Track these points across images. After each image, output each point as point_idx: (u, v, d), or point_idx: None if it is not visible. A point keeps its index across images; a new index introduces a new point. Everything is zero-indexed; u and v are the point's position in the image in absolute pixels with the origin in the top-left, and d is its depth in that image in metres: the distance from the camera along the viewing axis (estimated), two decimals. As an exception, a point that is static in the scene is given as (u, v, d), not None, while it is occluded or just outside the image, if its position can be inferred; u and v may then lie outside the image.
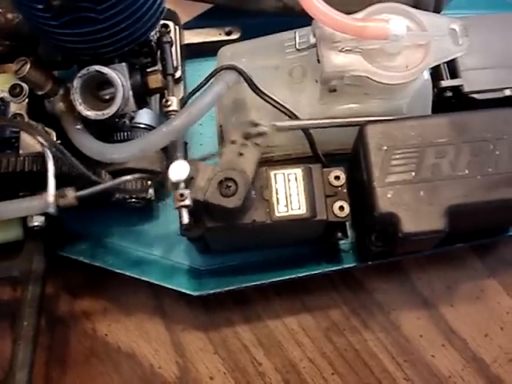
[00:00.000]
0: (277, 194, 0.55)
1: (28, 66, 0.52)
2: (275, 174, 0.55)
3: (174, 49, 0.66)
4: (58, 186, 0.54)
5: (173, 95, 0.56)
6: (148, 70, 0.57)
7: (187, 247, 0.65)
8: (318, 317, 0.69)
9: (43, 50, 0.60)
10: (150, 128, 0.62)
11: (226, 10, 0.69)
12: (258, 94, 0.57)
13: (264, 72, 0.59)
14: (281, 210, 0.54)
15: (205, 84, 0.56)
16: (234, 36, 0.68)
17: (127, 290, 0.70)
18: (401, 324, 0.68)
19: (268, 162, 0.63)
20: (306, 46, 0.58)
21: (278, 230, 0.56)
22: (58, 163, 0.54)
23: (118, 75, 0.54)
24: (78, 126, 0.54)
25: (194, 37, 0.68)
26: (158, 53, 0.60)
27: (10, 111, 0.60)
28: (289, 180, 0.55)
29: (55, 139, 0.57)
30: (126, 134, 0.60)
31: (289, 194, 0.55)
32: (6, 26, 0.61)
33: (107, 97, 0.56)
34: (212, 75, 0.56)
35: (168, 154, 0.60)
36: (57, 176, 0.54)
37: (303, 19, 0.58)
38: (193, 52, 0.68)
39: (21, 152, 0.56)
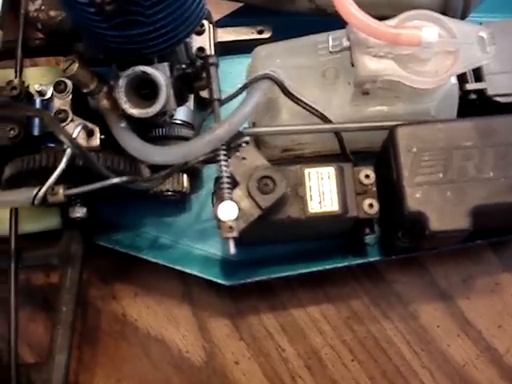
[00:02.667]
0: (310, 191, 0.57)
1: (76, 66, 0.54)
2: (309, 172, 0.58)
3: (208, 46, 0.68)
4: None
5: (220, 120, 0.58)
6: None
7: (218, 238, 0.67)
8: (339, 306, 0.71)
9: (86, 48, 0.62)
10: (186, 124, 0.64)
11: (257, 9, 0.70)
12: (291, 99, 0.59)
13: (297, 72, 0.61)
14: (314, 207, 0.57)
15: (240, 92, 0.58)
16: (266, 35, 0.70)
17: (157, 277, 0.72)
18: (419, 314, 0.70)
19: (298, 158, 0.66)
20: (339, 48, 0.60)
21: (309, 225, 0.58)
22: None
23: (161, 75, 0.56)
24: (122, 124, 0.56)
25: (226, 35, 0.70)
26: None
27: (53, 106, 0.62)
28: (322, 178, 0.57)
29: (99, 135, 0.59)
30: (163, 130, 0.62)
31: (322, 192, 0.57)
32: (47, 23, 0.63)
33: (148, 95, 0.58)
34: (247, 84, 0.58)
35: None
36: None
37: (334, 20, 0.60)
38: (225, 49, 0.70)
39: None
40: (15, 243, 0.64)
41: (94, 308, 0.72)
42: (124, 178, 0.54)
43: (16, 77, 0.68)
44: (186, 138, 0.63)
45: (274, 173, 0.55)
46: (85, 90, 0.57)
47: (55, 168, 0.55)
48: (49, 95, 0.65)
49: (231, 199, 0.53)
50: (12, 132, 0.60)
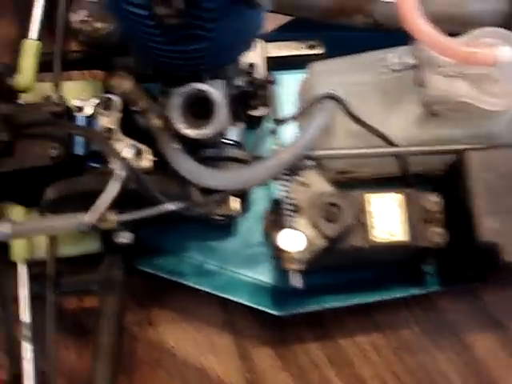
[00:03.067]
0: (373, 218, 0.53)
1: (129, 81, 0.50)
2: (372, 198, 0.53)
3: (259, 61, 0.64)
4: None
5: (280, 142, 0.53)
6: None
7: (266, 264, 0.63)
8: (388, 336, 0.67)
9: (134, 63, 0.57)
10: (236, 144, 0.60)
11: (307, 23, 0.66)
12: (353, 120, 0.55)
13: (356, 90, 0.57)
14: (377, 235, 0.53)
15: (303, 112, 0.54)
16: (318, 50, 0.66)
17: (196, 302, 0.68)
18: (472, 345, 0.66)
19: (353, 180, 0.61)
20: (402, 66, 0.56)
21: (369, 254, 0.54)
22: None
23: (218, 92, 0.52)
24: (176, 145, 0.52)
25: (276, 50, 0.66)
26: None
27: (96, 124, 0.58)
28: (385, 204, 0.53)
29: (149, 156, 0.54)
30: (213, 149, 0.58)
31: (385, 219, 0.53)
32: (92, 35, 0.59)
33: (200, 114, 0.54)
34: (310, 104, 0.54)
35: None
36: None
37: (391, 36, 0.56)
38: (274, 65, 0.65)
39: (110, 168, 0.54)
40: (53, 268, 0.59)
41: (129, 334, 0.68)
42: (180, 204, 0.50)
43: (53, 91, 0.63)
44: (236, 160, 0.58)
45: (341, 199, 0.51)
46: (135, 108, 0.53)
47: (104, 192, 0.50)
48: (88, 111, 0.61)
49: (294, 227, 0.48)
50: (54, 151, 0.55)
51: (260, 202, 0.64)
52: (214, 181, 0.50)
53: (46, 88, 0.65)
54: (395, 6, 0.55)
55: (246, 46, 0.52)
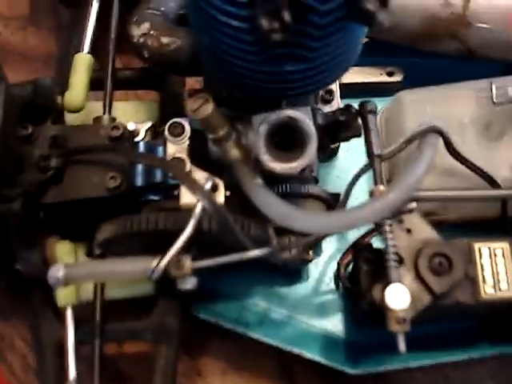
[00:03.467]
0: (482, 271, 0.45)
1: (211, 106, 0.43)
2: (480, 248, 0.46)
3: (335, 88, 0.56)
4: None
5: (382, 183, 0.45)
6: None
7: (338, 314, 0.55)
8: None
9: (206, 84, 0.50)
10: (315, 180, 0.52)
11: (385, 47, 0.59)
12: (456, 158, 0.48)
13: (453, 124, 0.50)
14: (488, 291, 0.45)
15: (404, 147, 0.47)
16: (397, 78, 0.59)
17: (249, 352, 0.60)
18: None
19: (440, 223, 0.54)
20: (505, 99, 0.49)
21: (474, 310, 0.47)
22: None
23: (310, 122, 0.44)
24: (258, 181, 0.44)
25: (351, 75, 0.58)
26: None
27: (160, 152, 0.50)
28: (495, 255, 0.46)
29: (223, 191, 0.47)
30: (285, 186, 0.51)
31: (496, 272, 0.46)
32: (158, 51, 0.51)
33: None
34: (412, 137, 0.46)
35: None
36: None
37: (481, 65, 0.49)
38: (348, 91, 0.58)
39: (182, 203, 0.46)
40: (100, 313, 0.51)
41: (177, 385, 0.59)
42: (266, 250, 0.42)
43: (105, 112, 0.56)
44: (317, 197, 0.51)
45: (450, 249, 0.43)
46: (212, 136, 0.45)
47: (174, 231, 0.42)
48: (141, 136, 0.54)
49: (400, 281, 0.41)
50: (113, 181, 0.48)
51: (332, 244, 0.56)
52: (307, 224, 0.42)
53: (94, 108, 0.57)
54: (494, 32, 0.48)
55: (345, 69, 0.45)
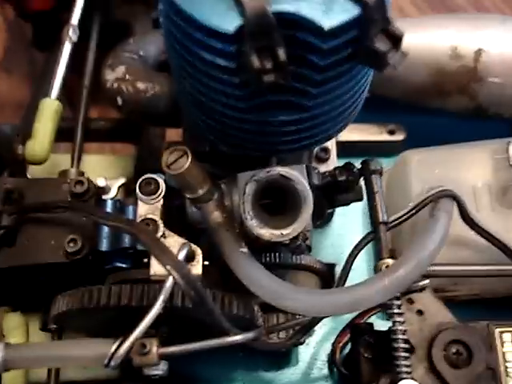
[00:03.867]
0: (505, 361, 0.38)
1: (189, 161, 0.36)
2: (501, 334, 0.38)
3: (330, 145, 0.50)
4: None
5: (388, 257, 0.38)
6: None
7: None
8: None
9: (186, 138, 0.43)
10: (308, 248, 0.45)
11: (386, 103, 0.53)
12: (472, 228, 0.41)
13: (463, 189, 0.43)
14: (511, 384, 0.37)
15: (414, 213, 0.40)
16: (398, 137, 0.53)
17: None
18: None
19: (449, 301, 0.46)
20: (525, 161, 0.43)
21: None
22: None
23: (304, 182, 0.37)
24: (244, 250, 0.37)
25: (348, 133, 0.52)
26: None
27: (130, 212, 0.43)
28: (516, 341, 0.38)
29: (201, 260, 0.39)
30: (274, 255, 0.43)
31: (518, 362, 0.38)
32: (133, 98, 0.44)
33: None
34: (423, 203, 0.39)
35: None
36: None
37: (489, 124, 0.43)
38: (346, 150, 0.52)
39: (151, 273, 0.39)
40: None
41: None
42: (250, 335, 0.34)
43: (72, 165, 0.49)
44: (309, 269, 0.43)
45: (468, 335, 0.35)
46: (189, 196, 0.38)
47: (141, 308, 0.35)
48: (113, 194, 0.47)
49: (411, 377, 0.33)
50: (73, 245, 0.40)
51: (326, 322, 0.49)
52: (303, 304, 0.35)
53: (61, 161, 0.50)
54: (506, 87, 0.42)
55: (346, 123, 0.38)
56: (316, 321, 0.39)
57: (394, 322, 0.36)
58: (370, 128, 0.53)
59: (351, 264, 0.39)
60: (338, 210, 0.52)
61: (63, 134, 0.50)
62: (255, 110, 0.35)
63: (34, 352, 0.35)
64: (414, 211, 0.39)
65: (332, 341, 0.47)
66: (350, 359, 0.45)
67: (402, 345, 0.36)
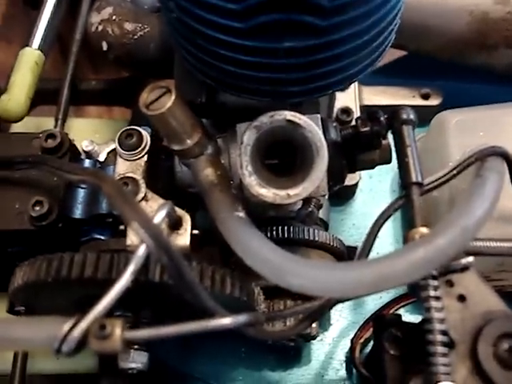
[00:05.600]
0: None
1: (172, 98, 0.27)
2: None
3: (354, 107, 0.41)
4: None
5: (422, 225, 0.28)
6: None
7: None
8: None
9: (181, 86, 0.35)
10: (323, 224, 0.36)
11: (421, 63, 0.44)
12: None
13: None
14: None
15: (454, 175, 0.30)
16: (434, 101, 0.44)
17: None
18: None
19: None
20: None
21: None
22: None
23: (319, 132, 0.28)
24: (240, 214, 0.28)
25: (375, 96, 0.43)
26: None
27: (111, 171, 0.34)
28: None
29: (189, 229, 0.30)
30: (281, 229, 0.34)
31: None
32: (120, 41, 0.36)
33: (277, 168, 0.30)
34: (467, 162, 0.30)
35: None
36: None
37: None
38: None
39: (128, 243, 0.30)
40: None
41: None
42: (242, 319, 0.26)
43: (56, 126, 0.41)
44: (323, 247, 0.34)
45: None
46: (176, 147, 0.29)
47: (110, 283, 0.26)
48: (102, 158, 0.39)
49: (451, 379, 0.24)
50: (38, 208, 0.32)
51: (344, 314, 0.40)
52: (311, 280, 0.26)
53: (47, 123, 0.43)
54: None
55: (368, 64, 0.29)
56: (330, 305, 0.30)
57: (429, 309, 0.27)
58: (401, 91, 0.45)
59: (376, 234, 0.30)
60: (362, 185, 0.43)
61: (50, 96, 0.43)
62: (256, 34, 0.26)
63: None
64: (455, 171, 0.30)
65: (351, 336, 0.38)
66: (372, 358, 0.36)
67: (440, 338, 0.26)
